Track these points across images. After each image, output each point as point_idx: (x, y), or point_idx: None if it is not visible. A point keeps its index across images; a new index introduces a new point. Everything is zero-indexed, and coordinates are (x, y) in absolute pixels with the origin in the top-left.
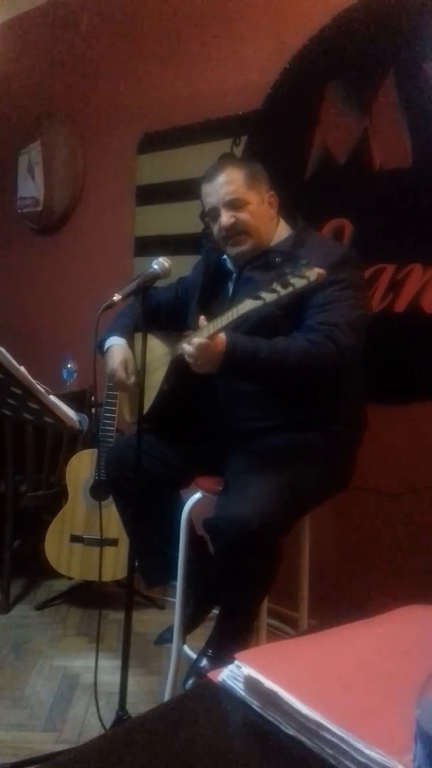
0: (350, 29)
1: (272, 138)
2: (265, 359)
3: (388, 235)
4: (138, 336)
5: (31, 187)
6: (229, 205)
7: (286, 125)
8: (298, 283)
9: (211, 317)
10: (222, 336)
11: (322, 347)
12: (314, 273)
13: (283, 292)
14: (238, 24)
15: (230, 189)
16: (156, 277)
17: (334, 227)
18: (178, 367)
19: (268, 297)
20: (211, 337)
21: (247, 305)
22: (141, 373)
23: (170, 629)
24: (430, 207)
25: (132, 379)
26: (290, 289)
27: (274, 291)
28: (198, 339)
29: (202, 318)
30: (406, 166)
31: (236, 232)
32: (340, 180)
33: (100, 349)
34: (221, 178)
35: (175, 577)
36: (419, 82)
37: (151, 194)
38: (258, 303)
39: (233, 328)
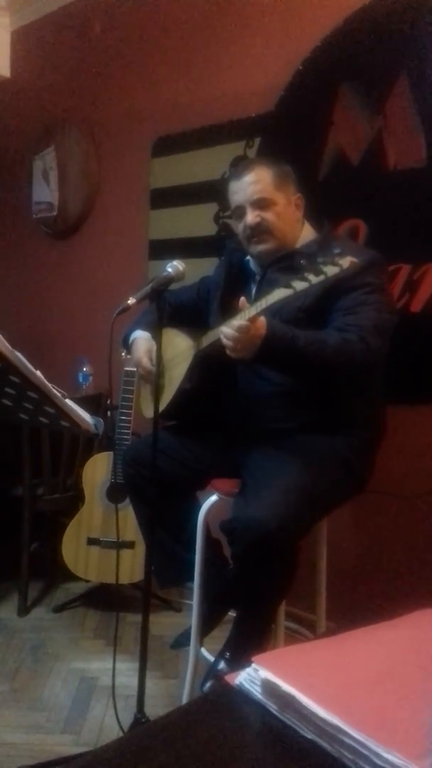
0: (362, 30)
1: (286, 139)
2: (302, 348)
3: (404, 234)
4: (162, 331)
5: (45, 192)
6: (255, 204)
7: (299, 127)
8: (331, 270)
9: (231, 317)
10: (262, 319)
11: (355, 345)
12: (347, 261)
13: (315, 280)
14: (251, 26)
15: (258, 188)
16: (170, 280)
17: (349, 227)
18: (201, 363)
19: (299, 285)
20: (252, 320)
21: (277, 294)
22: (156, 373)
23: (186, 633)
24: None
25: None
26: (322, 277)
27: (305, 279)
28: (238, 321)
29: (243, 299)
30: (421, 166)
31: (261, 231)
32: (355, 181)
33: (125, 343)
34: (249, 177)
35: (188, 579)
36: None
37: (166, 197)
38: (289, 291)
39: None
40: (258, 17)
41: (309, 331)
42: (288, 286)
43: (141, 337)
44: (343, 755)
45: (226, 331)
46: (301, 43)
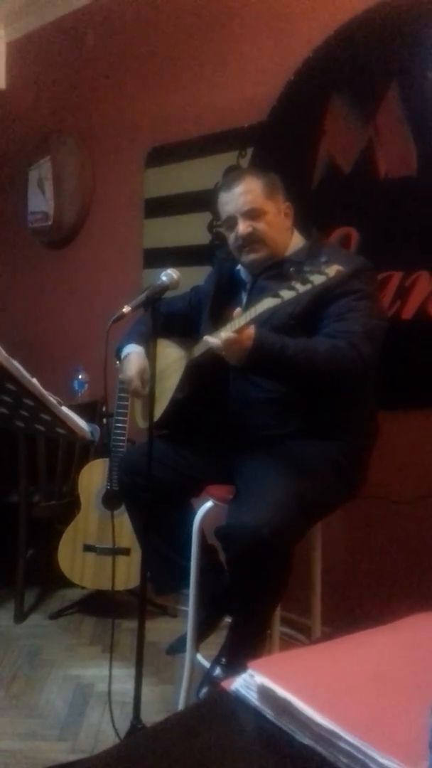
0: (353, 41)
1: (278, 149)
2: (291, 357)
3: (395, 242)
4: (150, 345)
5: (41, 202)
6: (246, 215)
7: (291, 136)
8: (317, 279)
9: (222, 326)
10: (251, 330)
11: (345, 352)
12: (333, 270)
13: (302, 289)
14: (243, 38)
15: (248, 198)
16: (165, 288)
17: (341, 235)
18: (193, 373)
19: (287, 294)
20: (239, 331)
21: (265, 303)
22: (151, 381)
23: (181, 639)
24: None
25: (147, 390)
26: (309, 286)
27: (292, 288)
28: (225, 333)
29: (238, 310)
30: (412, 174)
31: (252, 240)
32: (346, 189)
33: (118, 356)
34: (240, 188)
35: (184, 586)
36: (423, 91)
37: (159, 207)
38: (277, 300)
39: None
40: (250, 29)
41: (299, 339)
42: (276, 295)
43: (134, 353)
44: (339, 760)
45: (213, 342)
46: (293, 54)
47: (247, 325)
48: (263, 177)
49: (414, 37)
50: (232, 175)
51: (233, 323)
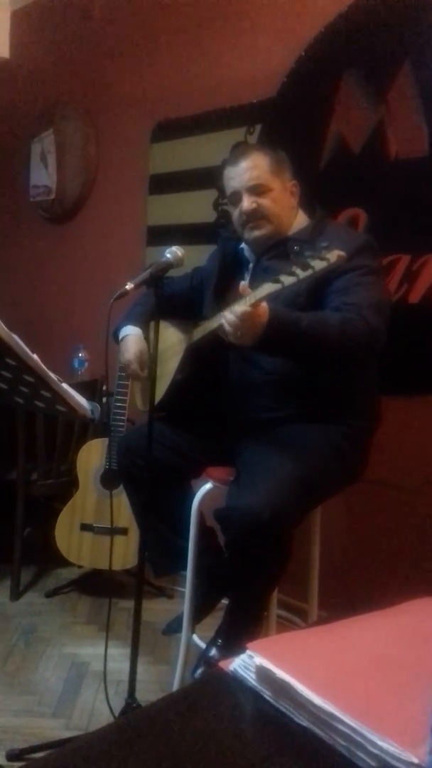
0: (366, 17)
1: (287, 126)
2: (305, 330)
3: (404, 225)
4: (153, 324)
5: (43, 176)
6: (252, 191)
7: (300, 114)
8: (318, 265)
9: (226, 306)
10: (265, 305)
11: (356, 324)
12: (334, 255)
13: (302, 275)
14: (253, 12)
15: (254, 174)
16: (169, 266)
17: (349, 217)
18: (193, 355)
19: (287, 280)
20: (254, 305)
21: (265, 288)
22: (152, 362)
23: (178, 619)
24: None
25: (146, 372)
26: (310, 271)
27: (293, 274)
28: (241, 307)
29: (244, 284)
30: (423, 156)
31: (257, 217)
32: (355, 169)
33: (115, 338)
34: (246, 163)
35: (183, 567)
36: None
37: (164, 183)
38: (277, 286)
39: None
40: (261, 3)
41: (310, 312)
42: (276, 281)
43: (132, 335)
44: (337, 743)
45: (229, 317)
46: (304, 29)
47: (259, 301)
48: (270, 153)
49: (427, 14)
50: (238, 150)
51: (246, 299)
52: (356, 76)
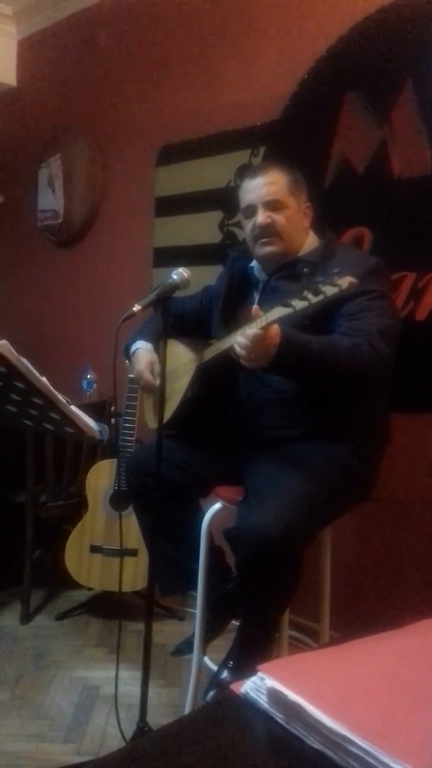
0: (367, 39)
1: (291, 148)
2: (316, 354)
3: (409, 243)
4: (161, 344)
5: (51, 200)
6: (268, 205)
7: (304, 135)
8: (330, 290)
9: (234, 327)
10: (276, 327)
11: (365, 350)
12: (346, 281)
13: (314, 299)
14: (256, 36)
15: (272, 189)
16: (176, 287)
17: (354, 236)
18: (203, 374)
19: (299, 304)
20: (265, 328)
21: (276, 312)
22: (161, 380)
23: (187, 641)
24: None
25: (158, 381)
26: (321, 297)
27: (305, 299)
28: (252, 330)
29: (255, 308)
30: (426, 174)
31: (270, 233)
32: (360, 189)
33: (126, 354)
34: (265, 178)
35: (191, 587)
36: None
37: (170, 205)
38: (288, 310)
39: None
40: (263, 26)
41: (320, 336)
42: (287, 305)
43: (143, 348)
44: (350, 765)
45: (240, 340)
46: (307, 52)
47: (270, 324)
48: (289, 172)
49: (428, 36)
50: (258, 165)
51: (258, 321)
52: (358, 97)
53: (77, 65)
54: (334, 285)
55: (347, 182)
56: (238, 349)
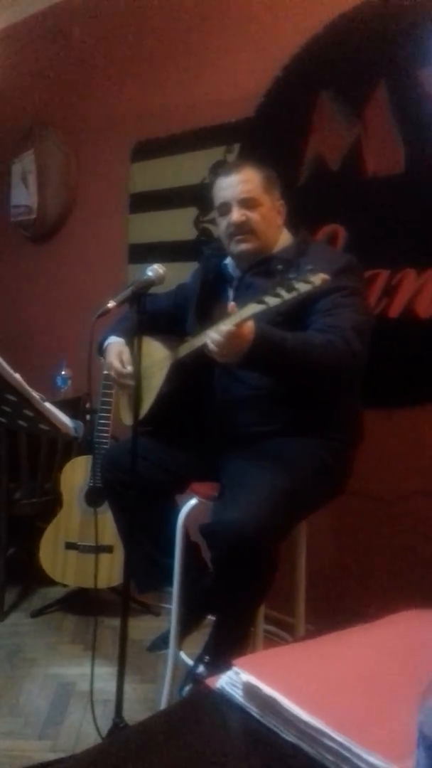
0: (342, 38)
1: (265, 145)
2: (290, 350)
3: (382, 240)
4: (135, 341)
5: (24, 196)
6: (242, 203)
7: (279, 132)
8: (303, 287)
9: (209, 324)
10: (250, 324)
11: (339, 346)
12: (319, 278)
13: (287, 296)
14: (231, 33)
15: (247, 187)
16: (150, 283)
17: (328, 233)
18: (178, 371)
19: (272, 301)
20: (239, 324)
21: (250, 309)
22: (137, 377)
23: (163, 636)
24: (423, 213)
25: (129, 368)
26: (295, 293)
27: (278, 295)
28: (225, 327)
29: (232, 304)
30: (399, 173)
31: (244, 230)
32: (334, 186)
33: (100, 350)
34: (239, 176)
35: (167, 584)
36: (410, 90)
37: (145, 202)
38: (261, 307)
39: None
40: (238, 24)
41: (295, 332)
42: (261, 301)
43: (114, 342)
44: (325, 758)
45: (213, 336)
46: (281, 49)
47: (244, 320)
48: (263, 170)
49: (402, 35)
50: (232, 162)
51: (231, 318)
52: (332, 95)
53: (51, 60)
54: (307, 282)
55: (321, 180)
56: (211, 346)
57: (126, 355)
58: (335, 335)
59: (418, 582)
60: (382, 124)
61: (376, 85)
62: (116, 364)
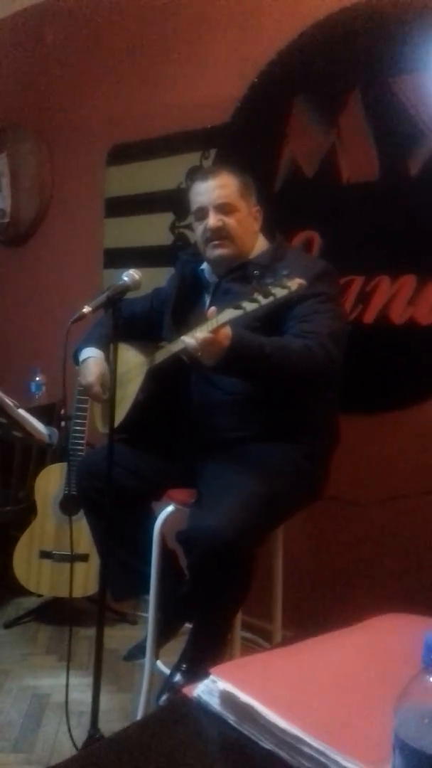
0: (317, 44)
1: (241, 151)
2: (268, 355)
3: (357, 247)
4: (111, 347)
5: None
6: (219, 209)
7: (254, 138)
8: (279, 293)
9: (185, 329)
10: (227, 330)
11: (316, 351)
12: (295, 283)
13: (264, 301)
14: (207, 38)
15: (223, 192)
16: (126, 289)
17: (304, 239)
18: (154, 377)
19: (249, 306)
20: (215, 331)
21: (227, 314)
22: (112, 383)
23: (139, 645)
24: (397, 220)
25: (107, 395)
26: (271, 299)
27: (255, 301)
28: (202, 333)
29: (213, 309)
30: (373, 180)
31: (221, 236)
32: (309, 192)
33: (75, 360)
34: (216, 181)
35: (144, 592)
36: (384, 97)
37: (121, 206)
38: (239, 312)
39: None
40: (214, 29)
41: (273, 337)
42: (238, 307)
43: (92, 358)
44: (302, 764)
45: (189, 342)
46: (257, 56)
47: (222, 325)
48: (240, 175)
49: (376, 43)
50: (209, 167)
51: (208, 323)
52: (308, 101)
53: (25, 63)
54: (284, 287)
55: (297, 186)
56: (188, 351)
57: (107, 379)
58: (312, 341)
59: (395, 586)
60: (356, 131)
61: (351, 93)
62: (97, 389)
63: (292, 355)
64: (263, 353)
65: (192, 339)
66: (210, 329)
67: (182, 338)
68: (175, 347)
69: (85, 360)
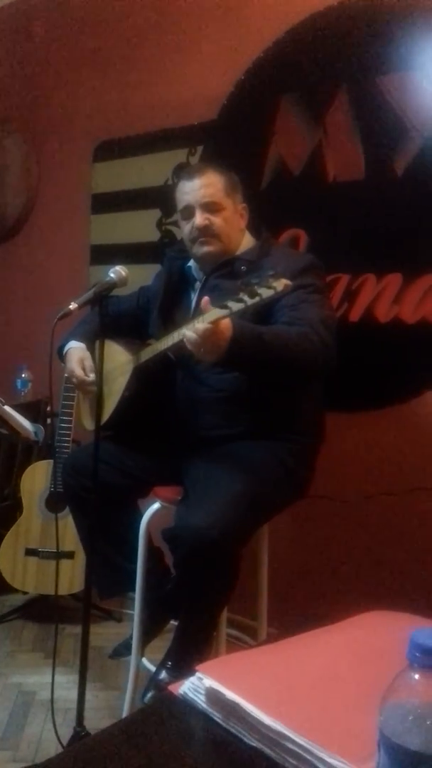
0: (304, 43)
1: (228, 148)
2: (268, 343)
3: (343, 245)
4: (98, 344)
5: None
6: (205, 207)
7: (241, 136)
8: (265, 293)
9: (172, 326)
10: (227, 321)
11: (312, 337)
12: (281, 284)
13: (250, 301)
14: (195, 35)
15: (209, 191)
16: (113, 285)
17: (290, 237)
18: (141, 375)
19: (235, 306)
20: (215, 322)
21: (213, 314)
22: (98, 381)
23: (125, 643)
24: (383, 219)
25: (91, 377)
26: (257, 299)
27: (240, 301)
28: (202, 325)
29: (206, 300)
30: (360, 179)
31: (207, 234)
32: (295, 191)
33: (60, 355)
34: (202, 179)
35: (130, 589)
36: (372, 96)
37: (107, 202)
38: (225, 312)
39: None
40: (202, 26)
41: (269, 326)
42: (224, 307)
43: (75, 348)
44: (287, 761)
45: (189, 335)
46: (244, 53)
47: (220, 318)
48: (225, 174)
49: (363, 42)
50: (195, 166)
51: (206, 315)
52: (295, 99)
53: (12, 57)
54: (270, 287)
55: (284, 183)
56: (188, 345)
57: (88, 362)
58: (306, 327)
59: (380, 583)
60: (343, 129)
61: (338, 92)
62: (78, 372)
63: (290, 342)
64: (263, 342)
65: (192, 331)
66: (210, 320)
67: (182, 331)
68: (162, 345)
69: (67, 351)
